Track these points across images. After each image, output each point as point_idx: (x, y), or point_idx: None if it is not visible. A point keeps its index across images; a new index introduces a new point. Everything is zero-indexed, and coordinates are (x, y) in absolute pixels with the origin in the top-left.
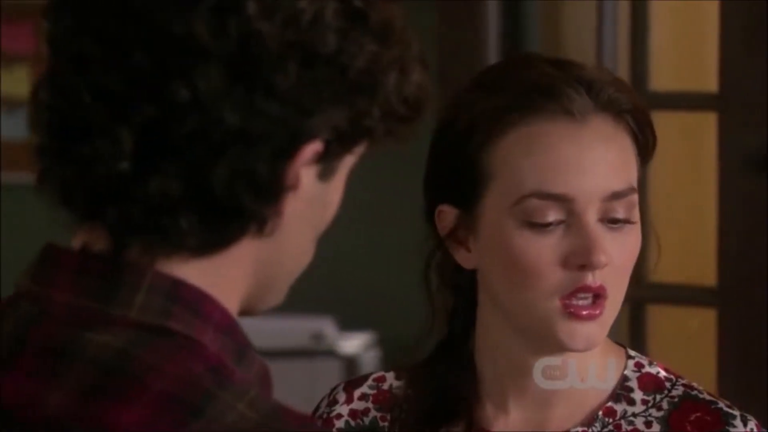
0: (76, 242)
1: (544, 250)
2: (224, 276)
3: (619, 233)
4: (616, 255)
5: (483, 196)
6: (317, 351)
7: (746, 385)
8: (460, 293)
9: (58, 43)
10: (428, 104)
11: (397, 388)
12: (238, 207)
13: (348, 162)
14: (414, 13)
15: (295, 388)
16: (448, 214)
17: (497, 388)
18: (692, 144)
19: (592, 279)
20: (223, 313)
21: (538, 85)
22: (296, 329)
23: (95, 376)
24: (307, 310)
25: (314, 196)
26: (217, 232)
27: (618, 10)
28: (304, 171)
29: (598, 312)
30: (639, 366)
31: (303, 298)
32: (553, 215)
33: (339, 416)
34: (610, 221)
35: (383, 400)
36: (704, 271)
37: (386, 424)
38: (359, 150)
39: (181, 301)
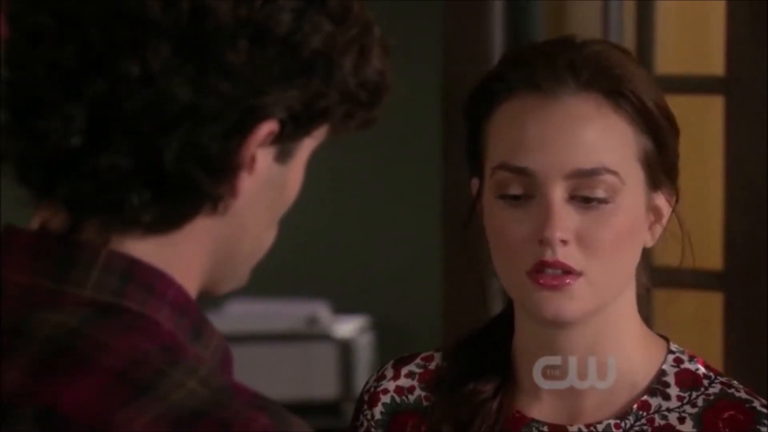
0: (35, 220)
1: (511, 223)
2: (180, 254)
3: (595, 212)
4: (590, 234)
5: (482, 169)
6: (312, 335)
7: (753, 369)
8: None
9: (15, 18)
10: (388, 91)
11: (442, 368)
12: (190, 184)
13: (307, 145)
14: (419, 13)
15: (290, 372)
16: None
17: (530, 372)
18: (698, 127)
19: (550, 254)
20: (179, 290)
21: (525, 64)
22: (291, 313)
23: (47, 354)
24: (301, 294)
25: (271, 178)
26: (171, 208)
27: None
28: (261, 152)
29: (567, 282)
30: (678, 361)
31: (297, 281)
32: (519, 189)
33: (385, 391)
34: (583, 200)
35: (429, 379)
36: (710, 255)
37: (429, 404)
38: (319, 133)
39: (135, 279)
